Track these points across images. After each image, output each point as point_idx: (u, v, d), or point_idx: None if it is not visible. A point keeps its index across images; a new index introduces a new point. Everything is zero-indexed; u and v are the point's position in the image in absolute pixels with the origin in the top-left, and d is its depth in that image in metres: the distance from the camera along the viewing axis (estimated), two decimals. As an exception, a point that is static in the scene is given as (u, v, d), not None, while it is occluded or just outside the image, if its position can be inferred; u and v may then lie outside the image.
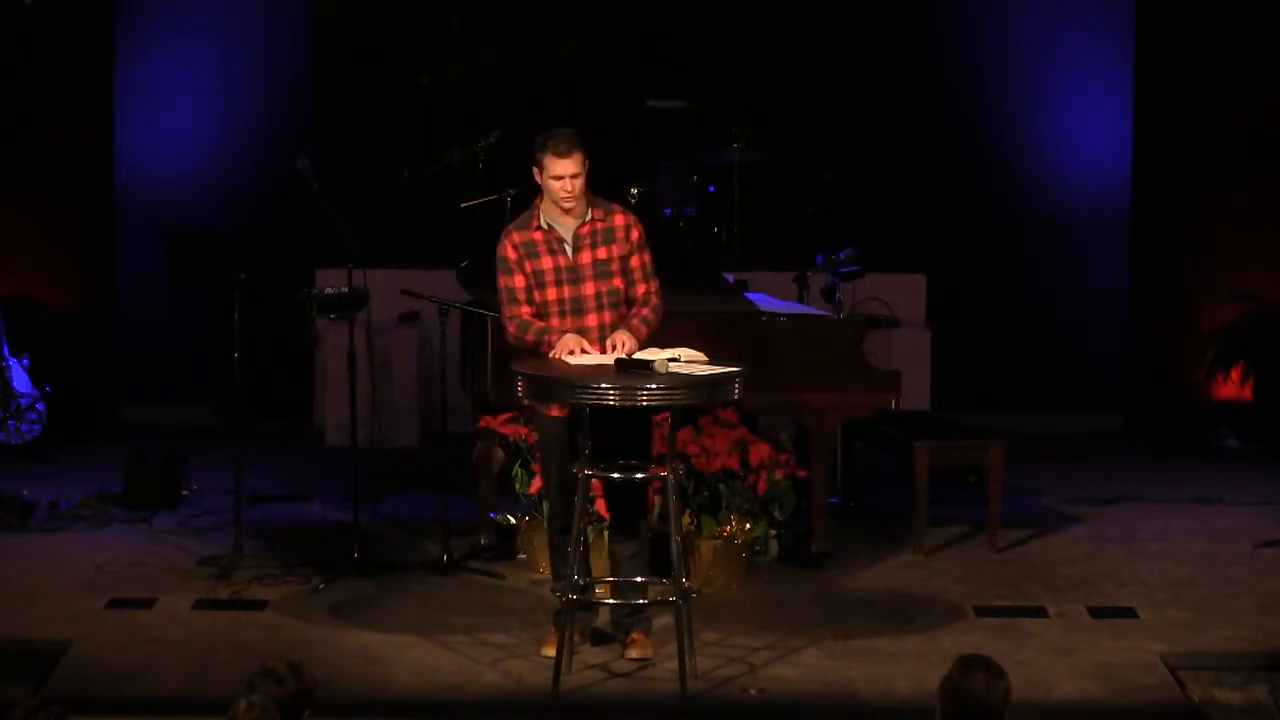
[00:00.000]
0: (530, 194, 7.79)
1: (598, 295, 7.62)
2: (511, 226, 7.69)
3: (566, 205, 7.56)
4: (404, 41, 13.12)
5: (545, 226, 7.62)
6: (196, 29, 12.64)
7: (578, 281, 7.61)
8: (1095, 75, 12.74)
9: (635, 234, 7.67)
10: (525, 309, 7.63)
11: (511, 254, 7.63)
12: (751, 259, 11.93)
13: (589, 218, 7.63)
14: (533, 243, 7.62)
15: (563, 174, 7.51)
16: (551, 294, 7.62)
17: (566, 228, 7.62)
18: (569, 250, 7.61)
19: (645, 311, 7.67)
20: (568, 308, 7.61)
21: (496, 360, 8.70)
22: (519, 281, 7.64)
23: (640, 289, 7.69)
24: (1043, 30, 12.74)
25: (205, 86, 12.66)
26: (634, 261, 7.67)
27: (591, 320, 7.62)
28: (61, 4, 12.29)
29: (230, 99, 12.68)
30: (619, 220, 7.66)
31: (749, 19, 13.06)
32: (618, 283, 7.65)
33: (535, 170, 7.58)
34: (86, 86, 12.44)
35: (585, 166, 7.55)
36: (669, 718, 7.21)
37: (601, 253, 7.62)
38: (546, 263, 7.61)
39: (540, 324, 7.60)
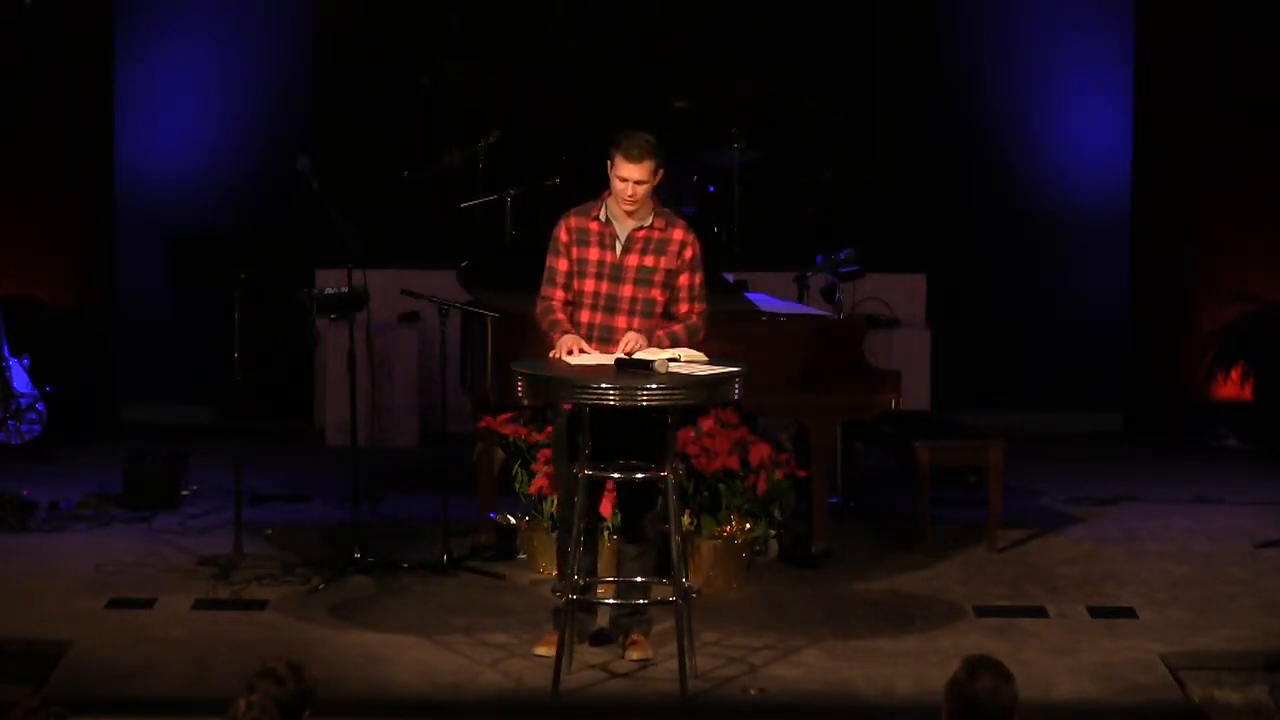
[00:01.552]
0: (530, 194, 7.80)
1: (633, 299, 7.61)
2: (573, 210, 7.71)
3: (628, 209, 7.57)
4: (404, 41, 13.12)
5: (604, 219, 7.64)
6: (196, 29, 12.64)
7: (618, 281, 7.61)
8: (1095, 75, 12.74)
9: (689, 252, 7.65)
10: (559, 293, 7.65)
11: (564, 237, 7.65)
12: (751, 259, 11.93)
13: (649, 224, 7.63)
14: (586, 230, 7.64)
15: (628, 177, 7.52)
16: (589, 285, 7.62)
17: (624, 227, 7.62)
18: (618, 248, 7.61)
19: (677, 327, 7.64)
20: (601, 303, 7.61)
21: (496, 360, 8.70)
22: (561, 265, 7.65)
23: (683, 307, 7.68)
24: (1043, 30, 12.74)
25: (205, 86, 12.66)
26: (682, 279, 7.66)
27: (621, 322, 7.61)
28: (61, 4, 12.29)
29: (230, 99, 12.68)
30: (677, 235, 7.66)
31: (749, 19, 13.06)
32: (656, 293, 7.63)
33: (608, 163, 7.59)
34: (86, 86, 12.44)
35: (656, 177, 7.57)
36: (669, 718, 7.21)
37: (649, 260, 7.61)
38: (593, 254, 7.62)
39: (557, 317, 7.61)
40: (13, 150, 12.30)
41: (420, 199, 12.17)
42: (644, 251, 7.62)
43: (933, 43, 12.81)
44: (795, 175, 12.91)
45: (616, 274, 7.61)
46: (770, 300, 9.51)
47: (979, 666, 4.91)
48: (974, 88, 12.82)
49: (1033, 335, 12.86)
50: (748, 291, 9.40)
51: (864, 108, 13.00)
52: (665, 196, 11.93)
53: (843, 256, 10.12)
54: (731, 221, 12.35)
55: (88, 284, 12.46)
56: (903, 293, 12.37)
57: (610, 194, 7.63)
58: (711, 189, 12.41)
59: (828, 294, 10.11)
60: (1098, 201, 12.80)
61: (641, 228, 7.62)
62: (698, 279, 7.68)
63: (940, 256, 12.70)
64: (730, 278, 9.55)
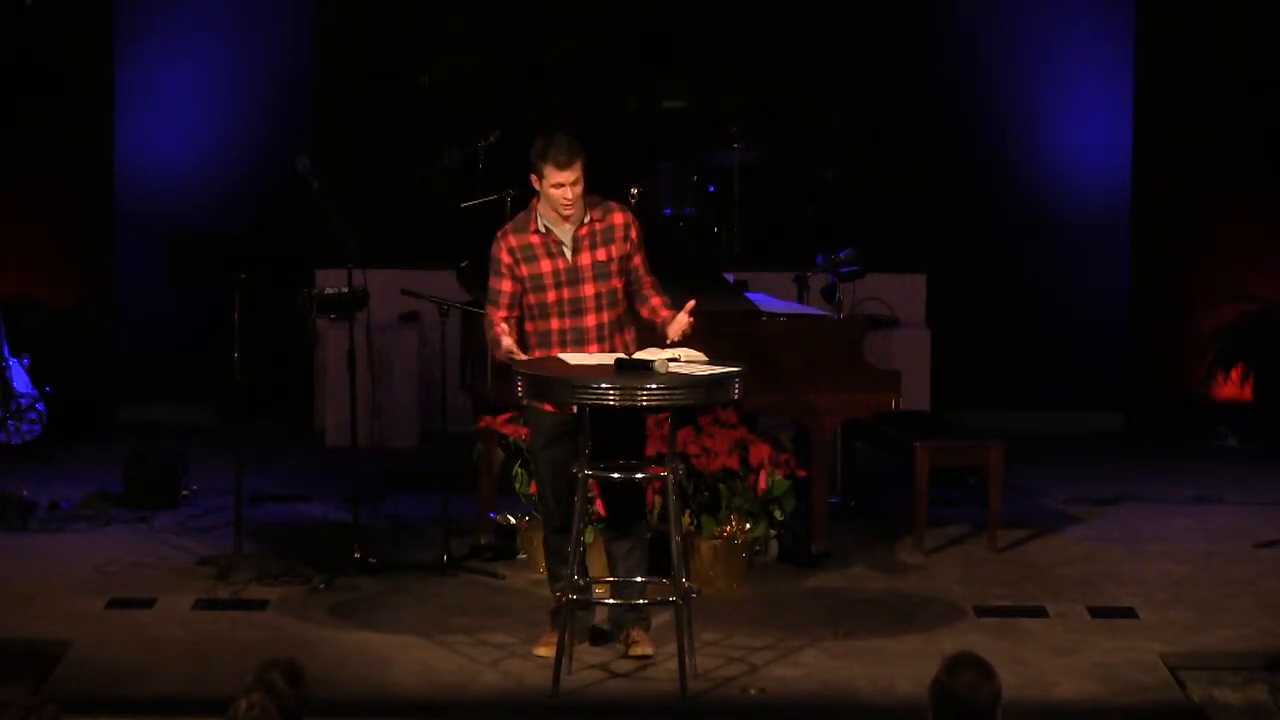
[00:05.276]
0: (530, 194, 7.77)
1: (597, 296, 7.62)
2: (508, 228, 7.67)
3: (567, 213, 7.55)
4: (404, 42, 13.12)
5: (543, 229, 7.60)
6: (196, 29, 12.65)
7: (577, 283, 7.61)
8: (1096, 75, 12.74)
9: (634, 233, 7.67)
10: (501, 312, 7.63)
11: (506, 258, 7.62)
12: (751, 259, 11.93)
13: (588, 219, 7.61)
14: (530, 246, 7.61)
15: (564, 182, 7.48)
16: (550, 296, 7.61)
17: (565, 231, 7.60)
18: (568, 253, 7.60)
19: (669, 305, 7.65)
20: (566, 309, 7.61)
21: (496, 360, 8.70)
22: (505, 286, 7.63)
23: (647, 281, 7.71)
24: (1043, 30, 12.74)
25: (205, 86, 12.67)
26: (636, 260, 7.68)
27: (590, 320, 7.62)
28: (61, 4, 12.29)
29: (230, 99, 12.68)
30: (618, 219, 7.65)
31: (749, 19, 13.06)
32: (616, 283, 7.64)
33: (533, 177, 7.57)
34: (86, 86, 12.45)
35: (584, 169, 7.54)
36: (669, 718, 7.21)
37: (600, 254, 7.61)
38: (545, 265, 7.60)
39: (499, 329, 7.57)
40: (13, 150, 12.30)
41: (420, 199, 12.17)
42: (593, 246, 7.61)
43: (933, 43, 12.81)
44: (795, 175, 12.91)
45: (574, 276, 7.60)
46: (770, 300, 9.51)
47: (959, 664, 4.88)
48: (974, 88, 12.82)
49: (1033, 335, 12.85)
50: (748, 291, 9.40)
51: (864, 108, 13.00)
52: (666, 197, 12.00)
53: (843, 256, 10.11)
54: (731, 221, 12.35)
55: (88, 284, 12.47)
56: (903, 293, 12.37)
57: (539, 201, 7.59)
58: (711, 189, 12.41)
59: (828, 294, 10.11)
60: (1098, 201, 12.80)
61: (583, 224, 7.60)
62: (644, 254, 7.70)
63: (940, 256, 12.70)
64: (730, 278, 9.54)
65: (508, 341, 7.51)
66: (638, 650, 7.65)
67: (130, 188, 12.61)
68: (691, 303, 7.56)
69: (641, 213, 7.94)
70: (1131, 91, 12.65)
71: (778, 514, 8.81)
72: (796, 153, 12.95)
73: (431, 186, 11.28)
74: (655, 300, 7.69)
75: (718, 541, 8.63)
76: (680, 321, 7.53)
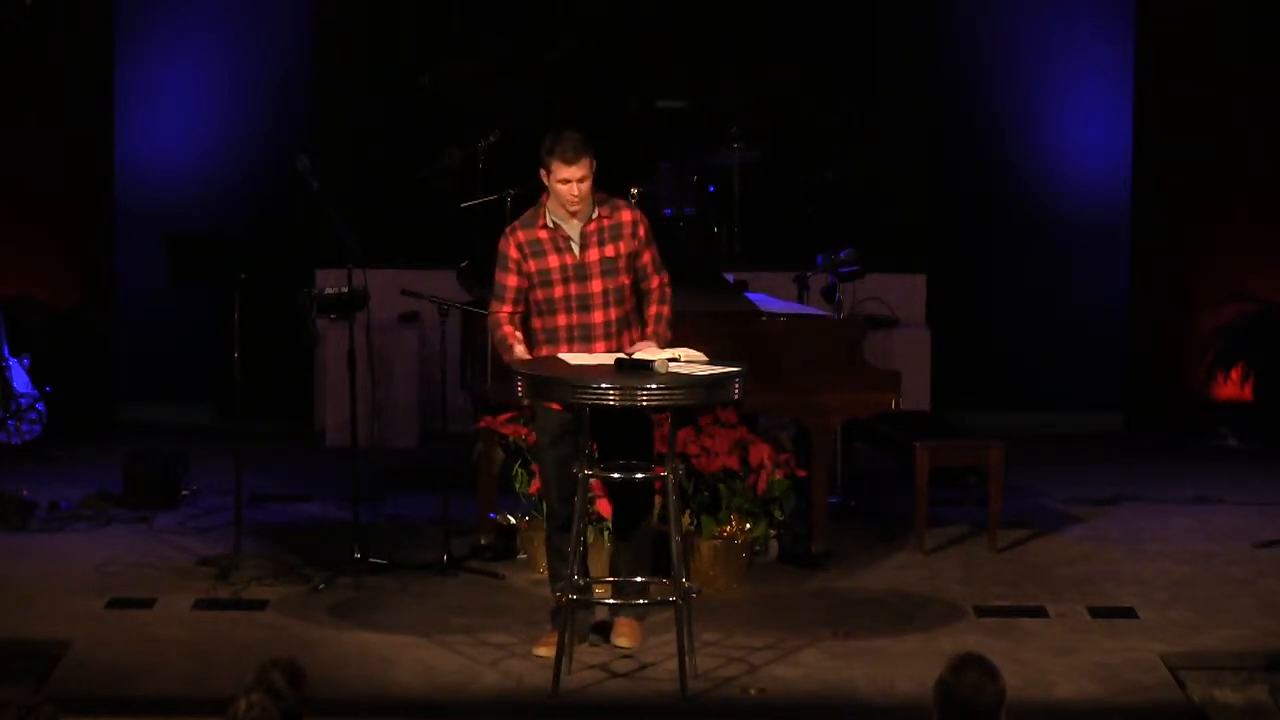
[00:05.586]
0: (530, 193, 7.79)
1: (604, 292, 7.64)
2: (517, 224, 7.71)
3: (574, 209, 7.58)
4: (404, 42, 13.12)
5: (551, 225, 7.64)
6: (196, 29, 12.65)
7: (584, 279, 7.63)
8: (1096, 75, 12.74)
9: (642, 230, 7.70)
10: (507, 308, 7.68)
11: (514, 253, 7.66)
12: (751, 259, 11.93)
13: (595, 215, 7.65)
14: (538, 241, 7.64)
15: (570, 178, 7.53)
16: (558, 291, 7.63)
17: (573, 226, 7.64)
18: (575, 248, 7.63)
19: (663, 317, 7.71)
20: (574, 304, 7.64)
21: (496, 360, 8.70)
22: (512, 281, 7.67)
23: (654, 281, 7.74)
24: (1043, 30, 12.74)
25: (205, 86, 12.67)
26: (645, 258, 7.71)
27: (597, 316, 7.64)
28: (61, 4, 12.30)
29: (230, 98, 12.68)
30: (626, 216, 7.69)
31: (749, 19, 13.06)
32: (624, 279, 7.67)
33: (542, 172, 7.61)
34: (86, 86, 12.45)
35: (592, 168, 7.58)
36: (669, 718, 7.21)
37: (609, 250, 7.64)
38: (553, 261, 7.63)
39: (502, 332, 7.63)
40: (13, 150, 12.30)
41: (420, 199, 12.17)
42: (601, 243, 7.64)
43: (933, 43, 12.81)
44: (795, 175, 12.91)
45: (581, 272, 7.63)
46: (770, 300, 9.51)
47: (964, 664, 4.89)
48: (974, 88, 12.82)
49: (1033, 335, 12.86)
50: (748, 291, 9.40)
51: (864, 108, 13.00)
52: (666, 197, 12.00)
53: (843, 256, 10.12)
54: (731, 221, 12.35)
55: (88, 284, 12.47)
56: (903, 293, 12.37)
57: (548, 197, 7.64)
58: (711, 189, 12.41)
59: (828, 294, 10.11)
60: (1098, 201, 12.80)
61: (590, 221, 7.65)
62: (655, 250, 7.76)
63: (940, 256, 12.70)
64: (730, 278, 9.54)
65: (520, 349, 7.55)
66: (622, 640, 7.67)
67: (130, 188, 12.62)
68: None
69: (642, 212, 7.94)
70: (1131, 91, 12.65)
71: (778, 514, 8.82)
72: (796, 153, 12.96)
73: (431, 186, 11.29)
74: (655, 308, 7.72)
75: (718, 541, 8.63)
76: (658, 338, 7.61)
